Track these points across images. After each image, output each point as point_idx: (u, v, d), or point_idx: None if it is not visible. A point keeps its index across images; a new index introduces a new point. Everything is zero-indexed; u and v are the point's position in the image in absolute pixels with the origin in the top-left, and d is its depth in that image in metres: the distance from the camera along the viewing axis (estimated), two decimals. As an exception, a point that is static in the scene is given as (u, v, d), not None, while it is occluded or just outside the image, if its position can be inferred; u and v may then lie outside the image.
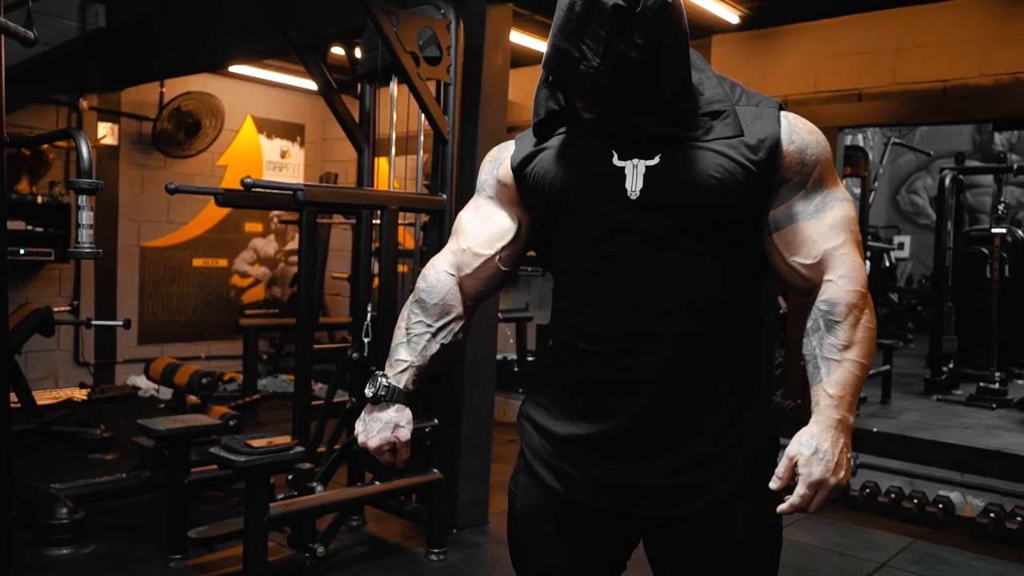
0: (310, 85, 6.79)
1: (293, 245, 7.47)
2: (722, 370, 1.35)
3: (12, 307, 4.82)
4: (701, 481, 1.34)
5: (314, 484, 3.03)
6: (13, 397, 4.67)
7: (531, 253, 1.53)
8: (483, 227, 1.49)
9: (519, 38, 5.09)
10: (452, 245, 1.52)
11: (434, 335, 1.48)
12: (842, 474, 1.24)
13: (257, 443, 2.67)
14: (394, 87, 3.58)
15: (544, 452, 1.44)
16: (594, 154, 1.34)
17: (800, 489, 1.24)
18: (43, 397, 5.80)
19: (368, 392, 1.46)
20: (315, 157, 7.67)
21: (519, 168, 1.43)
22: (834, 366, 1.28)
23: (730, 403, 1.35)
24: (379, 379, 1.46)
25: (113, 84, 6.10)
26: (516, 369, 6.21)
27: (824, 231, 1.31)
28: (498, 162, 1.50)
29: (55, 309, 4.97)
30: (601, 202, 1.32)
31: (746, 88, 1.39)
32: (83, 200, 1.71)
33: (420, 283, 1.52)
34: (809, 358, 1.32)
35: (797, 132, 1.32)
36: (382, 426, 1.45)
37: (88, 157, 1.69)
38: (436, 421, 3.26)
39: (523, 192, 1.44)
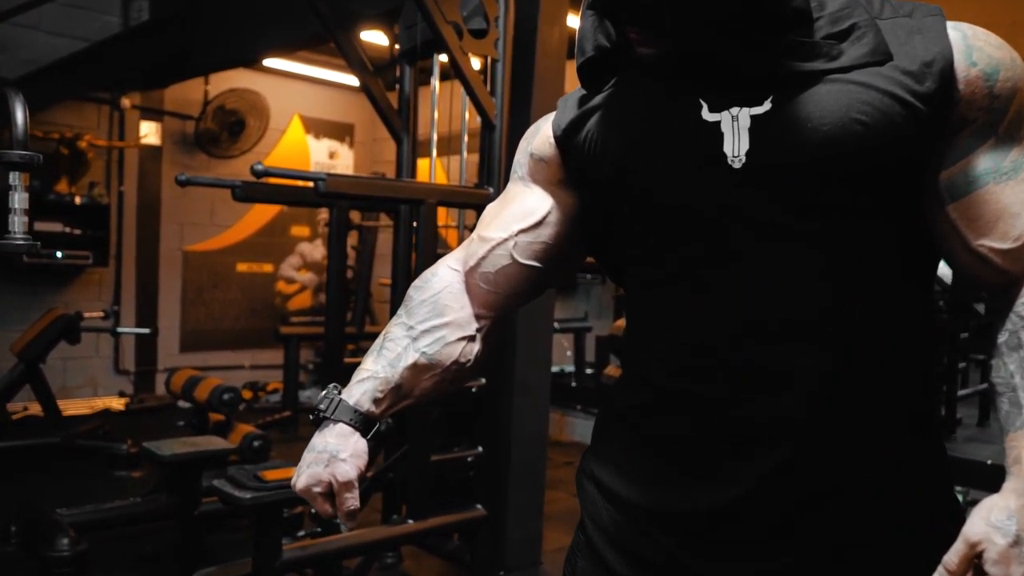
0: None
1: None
2: (881, 416, 0.90)
3: (41, 312, 4.58)
4: None
5: (339, 520, 2.63)
6: (37, 408, 4.43)
7: (590, 259, 1.12)
8: (501, 210, 1.08)
9: (577, 24, 4.66)
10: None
11: (414, 340, 1.05)
12: None
13: (270, 475, 2.30)
14: (435, 83, 3.22)
15: (613, 526, 1.00)
16: (673, 106, 0.92)
17: None
18: (80, 407, 5.57)
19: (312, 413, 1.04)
20: (364, 158, 7.35)
21: (566, 136, 1.01)
22: None
23: (892, 463, 0.90)
24: (328, 391, 1.04)
25: (155, 81, 5.87)
26: (574, 384, 5.76)
27: None
28: (535, 133, 1.08)
29: (87, 315, 4.71)
30: (689, 176, 0.90)
31: None
32: (15, 178, 1.33)
33: (415, 281, 1.10)
34: (1004, 389, 0.87)
35: (980, 49, 0.87)
36: (314, 457, 1.01)
37: (23, 125, 1.31)
38: (480, 449, 2.83)
39: (572, 169, 1.02)
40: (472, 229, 3.31)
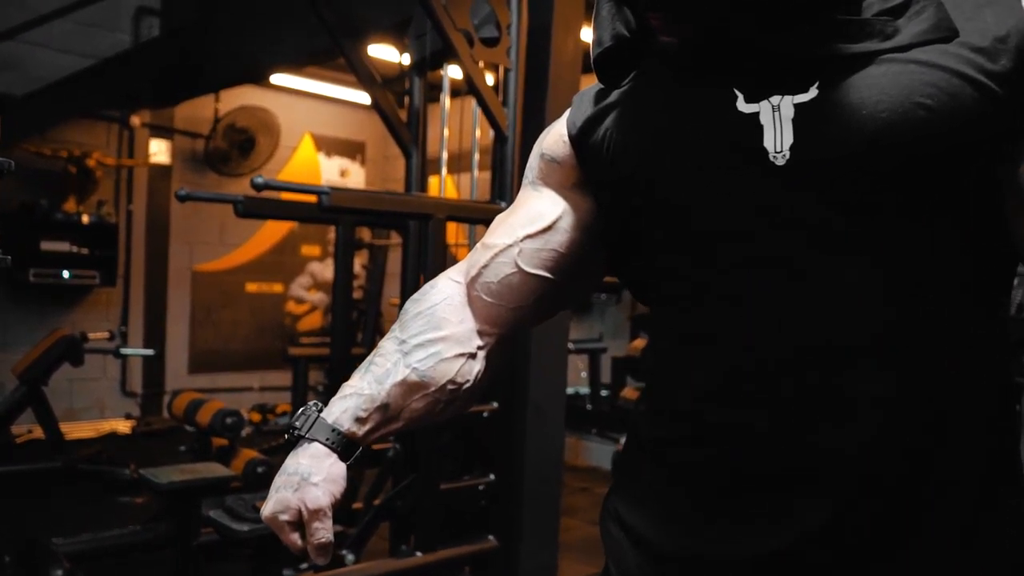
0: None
1: (354, 269, 7.06)
2: (955, 452, 0.77)
3: (48, 332, 4.49)
4: None
5: (344, 552, 2.50)
6: (39, 431, 4.32)
7: (609, 279, 1.01)
8: (508, 216, 0.97)
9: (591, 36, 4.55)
10: None
11: (405, 355, 0.92)
12: None
13: (269, 504, 2.18)
14: (445, 97, 3.12)
15: (639, 574, 0.87)
16: (702, 98, 0.80)
17: None
18: (86, 429, 5.48)
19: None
20: (376, 176, 7.27)
21: (582, 135, 0.90)
22: None
23: (968, 505, 0.77)
24: (305, 408, 0.93)
25: (165, 99, 5.81)
26: (589, 407, 5.61)
27: None
28: (547, 134, 0.97)
29: (93, 335, 4.62)
30: (722, 175, 0.78)
31: None
32: (-17, 187, 1.20)
33: (414, 295, 0.99)
34: None
35: None
36: (284, 481, 0.89)
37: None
38: (492, 476, 2.70)
39: (588, 170, 0.91)
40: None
